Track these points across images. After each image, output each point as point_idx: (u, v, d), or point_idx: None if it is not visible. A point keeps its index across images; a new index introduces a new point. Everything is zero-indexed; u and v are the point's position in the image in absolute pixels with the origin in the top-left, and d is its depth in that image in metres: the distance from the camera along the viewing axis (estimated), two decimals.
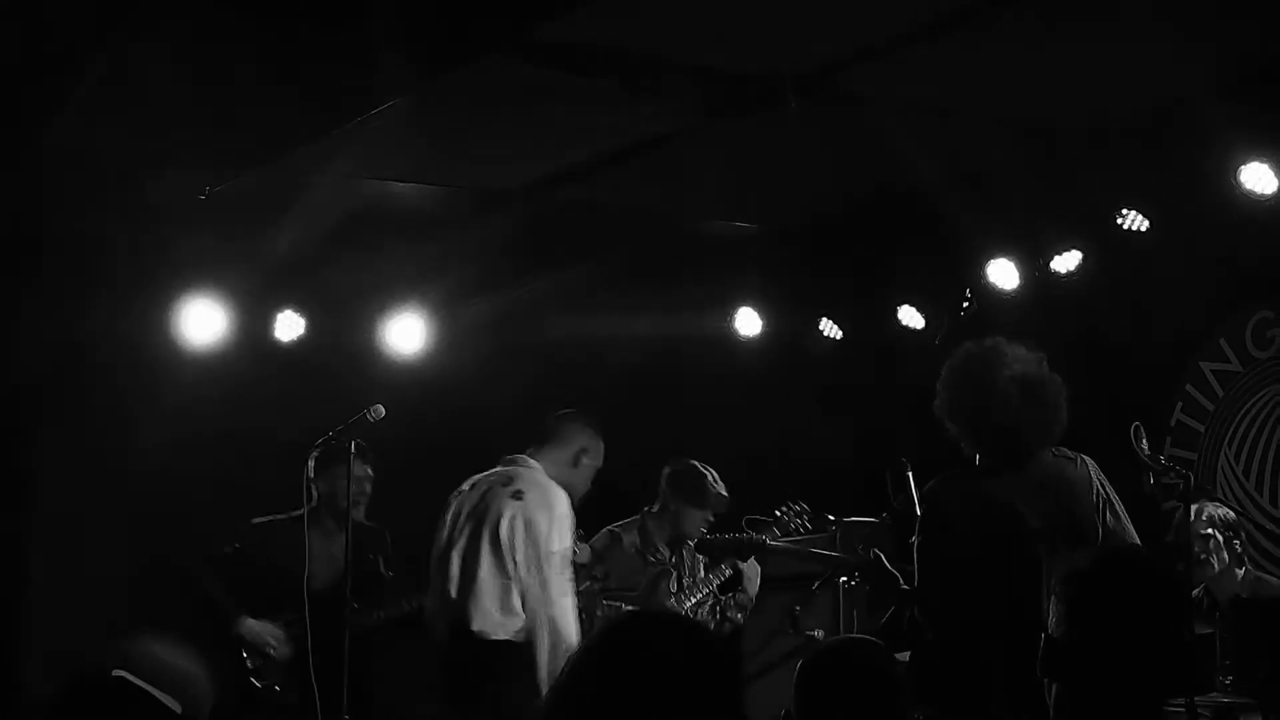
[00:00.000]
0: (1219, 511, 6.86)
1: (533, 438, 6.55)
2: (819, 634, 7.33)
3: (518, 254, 8.96)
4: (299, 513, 6.85)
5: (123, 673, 3.04)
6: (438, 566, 6.43)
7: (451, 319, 9.21)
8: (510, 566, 6.16)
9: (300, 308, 8.75)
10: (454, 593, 6.29)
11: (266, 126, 7.01)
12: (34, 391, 8.61)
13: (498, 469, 6.49)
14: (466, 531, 6.34)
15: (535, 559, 6.14)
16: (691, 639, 2.66)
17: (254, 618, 7.22)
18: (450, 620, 6.27)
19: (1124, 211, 7.71)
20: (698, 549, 6.14)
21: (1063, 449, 5.27)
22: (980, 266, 8.29)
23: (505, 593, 6.15)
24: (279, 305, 8.72)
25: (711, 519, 7.47)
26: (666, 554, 7.47)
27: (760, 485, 8.11)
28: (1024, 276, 8.23)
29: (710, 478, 7.46)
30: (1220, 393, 8.23)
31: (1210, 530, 6.74)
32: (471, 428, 9.17)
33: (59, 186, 7.60)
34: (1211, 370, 8.25)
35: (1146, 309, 8.22)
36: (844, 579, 7.04)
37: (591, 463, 6.53)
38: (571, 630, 6.10)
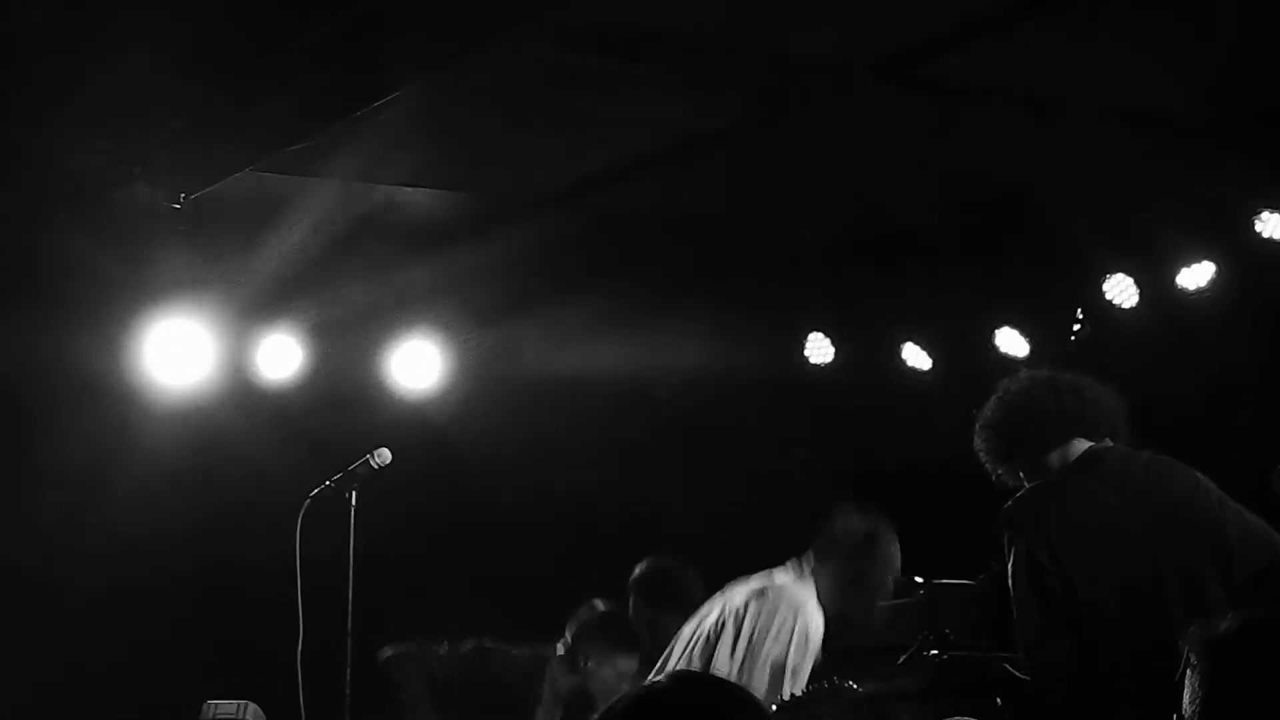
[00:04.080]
0: None
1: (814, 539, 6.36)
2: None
3: (547, 271, 8.97)
4: (548, 649, 6.99)
5: None
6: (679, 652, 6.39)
7: (470, 347, 9.20)
8: (725, 673, 6.04)
9: (294, 334, 8.76)
10: None
11: (253, 122, 7.04)
12: None
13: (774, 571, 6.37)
14: (704, 624, 6.30)
15: (748, 667, 6.03)
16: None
17: None
18: None
19: (1263, 215, 7.66)
20: (779, 711, 6.02)
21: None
22: (1094, 282, 8.25)
23: None
24: (269, 331, 8.73)
25: None
26: None
27: None
28: (1145, 293, 8.18)
29: (689, 576, 7.39)
30: None
31: None
32: (491, 476, 9.18)
33: (10, 193, 7.63)
34: None
35: None
36: (934, 652, 7.00)
37: (882, 576, 6.34)
38: None
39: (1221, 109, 7.57)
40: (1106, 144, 7.73)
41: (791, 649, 6.03)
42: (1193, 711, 3.34)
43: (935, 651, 7.24)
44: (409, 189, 8.31)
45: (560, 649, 7.11)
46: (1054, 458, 5.41)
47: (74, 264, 8.03)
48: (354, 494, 6.54)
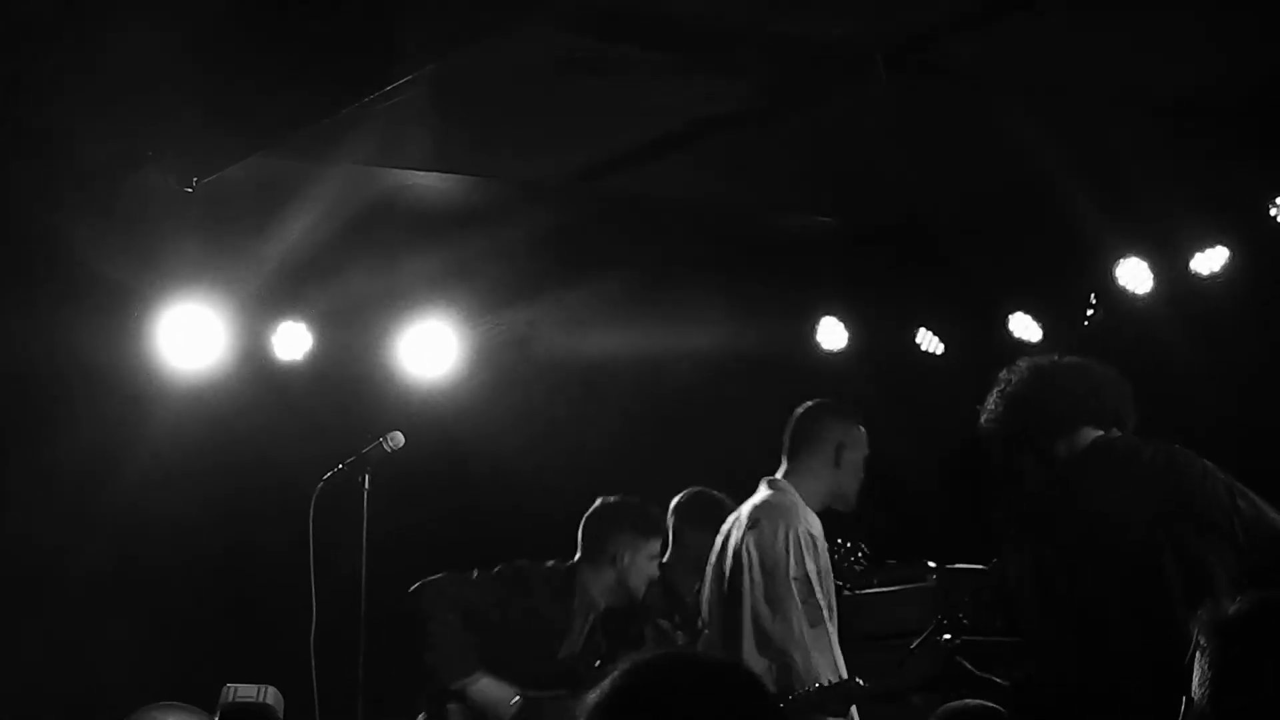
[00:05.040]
0: None
1: (783, 450, 6.53)
2: (916, 700, 7.33)
3: (559, 255, 8.99)
4: (557, 565, 6.98)
5: None
6: (707, 618, 6.51)
7: (481, 332, 9.24)
8: (750, 606, 6.17)
9: (306, 319, 8.80)
10: (722, 645, 6.33)
11: (266, 106, 7.07)
12: None
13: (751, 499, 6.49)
14: (715, 575, 6.41)
15: (772, 591, 6.13)
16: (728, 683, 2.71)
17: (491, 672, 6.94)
18: None
19: (1278, 201, 7.67)
20: (787, 711, 6.04)
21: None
22: (1107, 267, 8.26)
23: (759, 635, 6.17)
24: (281, 316, 8.77)
25: None
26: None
27: (846, 522, 8.11)
28: (1159, 278, 8.19)
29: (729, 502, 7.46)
30: None
31: None
32: (503, 458, 9.21)
33: (24, 178, 7.66)
34: None
35: None
36: (947, 637, 7.06)
37: (855, 455, 6.49)
38: (821, 665, 6.04)
39: (1237, 95, 7.58)
40: (1121, 129, 7.75)
41: (805, 556, 6.12)
42: (1201, 694, 3.34)
43: (948, 636, 7.30)
44: (421, 173, 8.33)
45: (579, 554, 7.06)
46: (1061, 447, 5.39)
47: (86, 249, 8.06)
48: (367, 477, 6.57)
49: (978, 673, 5.79)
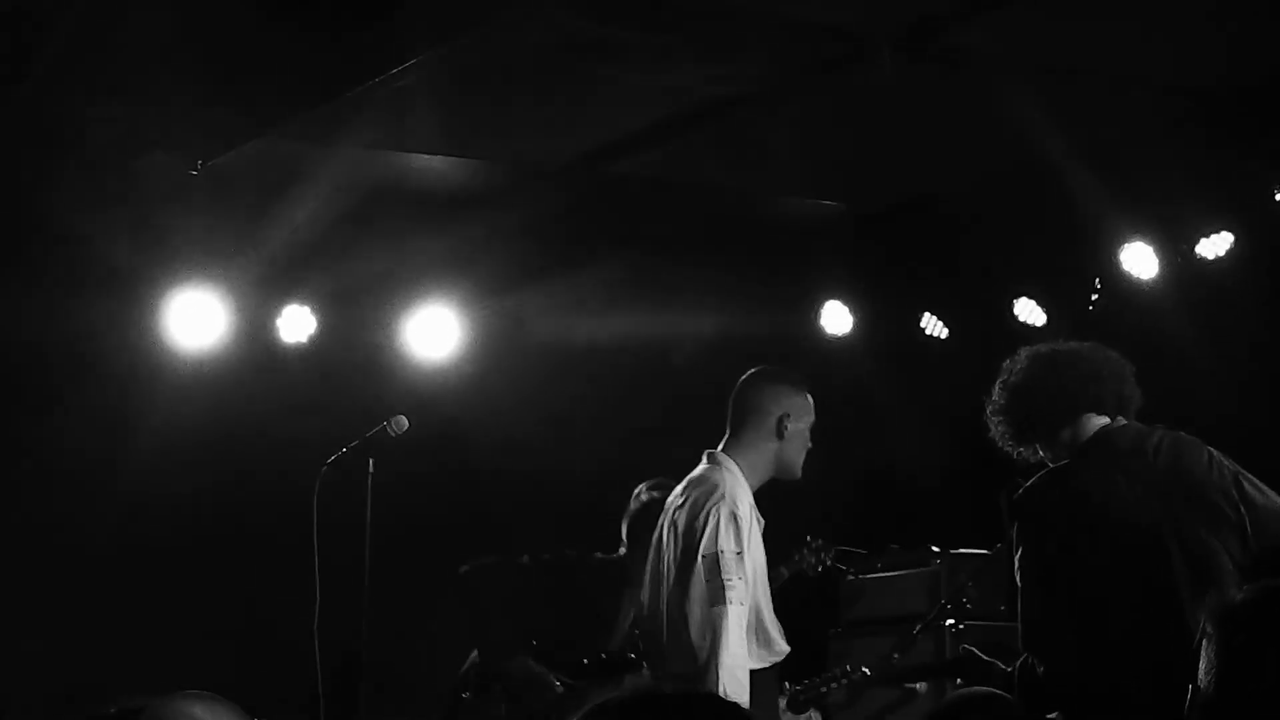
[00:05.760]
0: None
1: (726, 420, 6.16)
2: (920, 687, 7.34)
3: (563, 239, 8.99)
4: (618, 554, 6.90)
5: None
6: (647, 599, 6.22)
7: (486, 315, 9.23)
8: (670, 581, 5.91)
9: (309, 302, 8.79)
10: (651, 635, 6.11)
11: (270, 89, 7.06)
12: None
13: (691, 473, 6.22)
14: (655, 555, 6.09)
15: (682, 569, 5.83)
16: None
17: (536, 659, 6.93)
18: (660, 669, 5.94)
19: None
20: (789, 706, 5.90)
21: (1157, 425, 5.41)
22: (1112, 251, 8.25)
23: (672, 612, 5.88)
24: (285, 299, 8.77)
25: None
26: None
27: (852, 510, 8.11)
28: (1164, 263, 8.18)
29: None
30: None
31: None
32: (507, 441, 9.21)
33: (29, 161, 7.66)
34: None
35: None
36: (950, 622, 7.06)
37: (799, 424, 6.12)
38: (704, 644, 5.69)
39: (1243, 80, 7.57)
40: (1126, 114, 7.73)
41: (720, 533, 5.79)
42: (1207, 682, 3.32)
43: (952, 621, 7.30)
44: (425, 156, 8.33)
45: (624, 550, 6.95)
46: (1065, 436, 5.35)
47: (91, 232, 8.08)
48: (371, 461, 6.58)
49: (984, 658, 5.76)
